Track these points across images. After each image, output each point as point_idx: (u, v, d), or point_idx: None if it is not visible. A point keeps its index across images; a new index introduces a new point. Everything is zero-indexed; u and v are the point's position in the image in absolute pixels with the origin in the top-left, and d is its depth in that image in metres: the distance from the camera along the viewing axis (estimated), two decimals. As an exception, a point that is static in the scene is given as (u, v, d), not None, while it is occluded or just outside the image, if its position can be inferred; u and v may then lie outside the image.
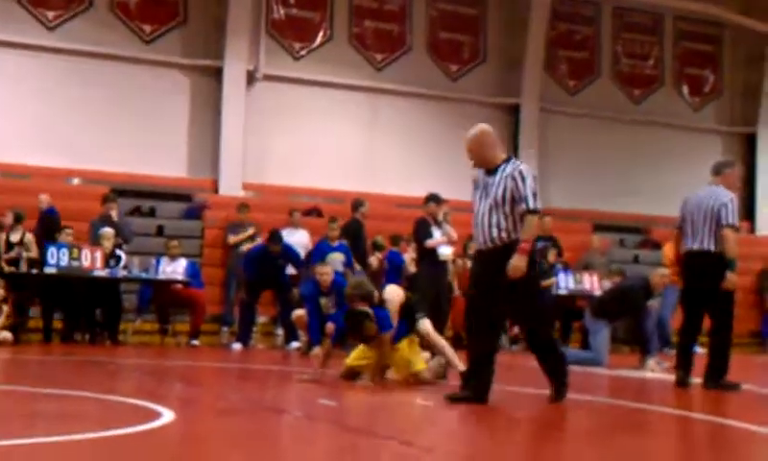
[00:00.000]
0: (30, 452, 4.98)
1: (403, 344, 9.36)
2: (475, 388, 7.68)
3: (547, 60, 23.39)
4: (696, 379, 9.62)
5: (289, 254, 15.75)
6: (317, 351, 13.44)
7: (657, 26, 24.99)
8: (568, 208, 22.81)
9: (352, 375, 9.36)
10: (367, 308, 9.16)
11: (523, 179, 7.69)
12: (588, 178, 23.53)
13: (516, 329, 17.23)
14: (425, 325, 9.49)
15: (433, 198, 15.08)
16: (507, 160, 7.85)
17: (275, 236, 15.46)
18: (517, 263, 7.56)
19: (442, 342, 9.54)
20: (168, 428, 5.83)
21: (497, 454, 5.54)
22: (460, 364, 9.04)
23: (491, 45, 23.19)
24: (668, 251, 17.02)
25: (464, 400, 7.65)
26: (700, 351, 10.73)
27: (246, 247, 16.68)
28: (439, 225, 14.90)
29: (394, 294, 9.75)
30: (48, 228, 15.47)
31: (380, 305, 9.35)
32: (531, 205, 7.65)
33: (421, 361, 9.40)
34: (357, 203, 17.18)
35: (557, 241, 18.80)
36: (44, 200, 16.40)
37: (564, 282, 17.18)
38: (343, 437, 6.00)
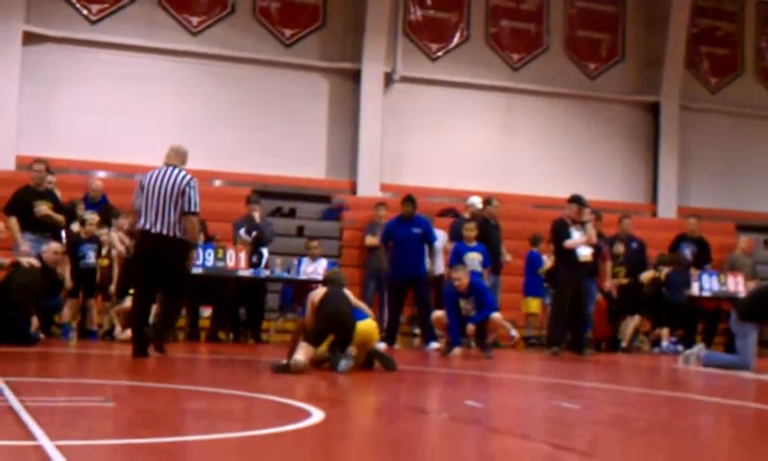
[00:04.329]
0: (179, 450, 5.02)
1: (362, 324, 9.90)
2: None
3: (688, 57, 22.95)
4: None
5: (423, 223, 15.57)
6: (457, 351, 13.49)
7: (803, 20, 24.31)
8: (710, 208, 22.34)
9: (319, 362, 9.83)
10: None
11: None
12: (731, 177, 23.02)
13: (656, 332, 17.01)
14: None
15: (575, 199, 14.94)
16: None
17: (408, 198, 15.42)
18: None
19: None
20: (319, 428, 5.86)
21: (648, 458, 5.47)
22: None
23: (629, 43, 22.87)
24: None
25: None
26: None
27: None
28: (581, 226, 14.75)
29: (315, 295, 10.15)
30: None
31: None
32: None
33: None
34: (485, 201, 16.96)
35: (706, 244, 18.34)
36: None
37: (708, 284, 16.80)
38: (491, 439, 5.99)
